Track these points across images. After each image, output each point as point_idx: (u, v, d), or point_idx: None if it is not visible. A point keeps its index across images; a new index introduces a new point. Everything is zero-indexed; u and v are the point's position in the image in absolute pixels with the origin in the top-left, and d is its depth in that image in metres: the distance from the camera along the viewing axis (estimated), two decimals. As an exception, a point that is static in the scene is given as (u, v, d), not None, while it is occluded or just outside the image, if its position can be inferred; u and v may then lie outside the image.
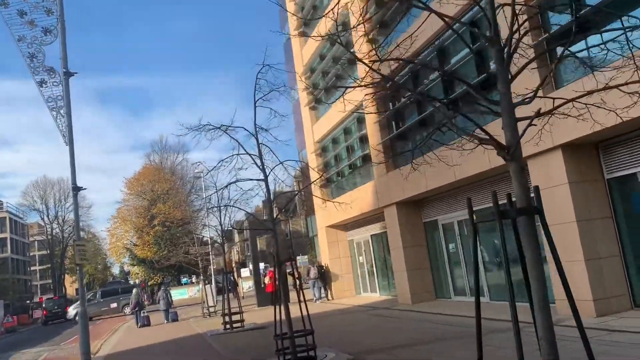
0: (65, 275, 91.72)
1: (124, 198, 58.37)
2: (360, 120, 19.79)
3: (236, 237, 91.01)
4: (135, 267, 59.15)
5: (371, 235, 21.38)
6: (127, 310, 36.88)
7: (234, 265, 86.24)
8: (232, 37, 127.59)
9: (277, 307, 8.89)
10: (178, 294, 46.90)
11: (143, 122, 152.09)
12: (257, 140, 9.29)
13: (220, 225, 15.73)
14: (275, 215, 9.40)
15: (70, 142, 10.09)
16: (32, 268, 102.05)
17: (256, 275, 25.10)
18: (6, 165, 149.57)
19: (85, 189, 9.87)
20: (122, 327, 24.95)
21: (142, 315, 23.20)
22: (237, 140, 9.52)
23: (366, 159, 19.35)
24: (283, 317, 8.59)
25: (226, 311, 15.54)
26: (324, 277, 24.42)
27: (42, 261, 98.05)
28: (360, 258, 22.81)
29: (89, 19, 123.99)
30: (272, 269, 26.51)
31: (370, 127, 18.29)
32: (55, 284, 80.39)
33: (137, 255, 54.55)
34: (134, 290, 25.34)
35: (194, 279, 55.89)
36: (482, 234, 14.34)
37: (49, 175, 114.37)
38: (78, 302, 42.65)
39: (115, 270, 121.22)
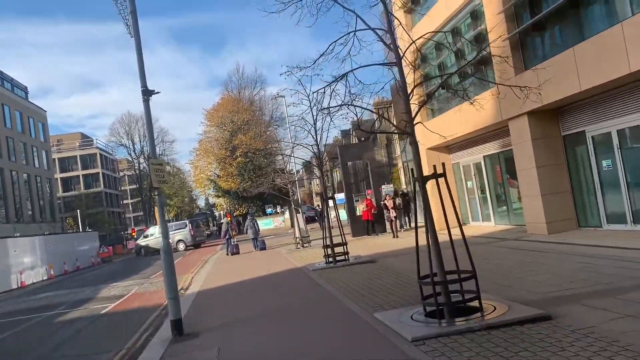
0: (155, 207, 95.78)
1: (205, 130, 58.02)
2: (476, 16, 16.30)
3: (316, 171, 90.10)
4: (220, 198, 59.51)
5: (484, 157, 18.33)
6: (181, 246, 36.81)
7: (314, 197, 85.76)
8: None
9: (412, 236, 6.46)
10: (263, 224, 46.51)
11: (218, 58, 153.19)
12: (386, 6, 6.55)
13: (316, 143, 13.25)
14: (414, 115, 6.77)
15: (136, 33, 7.82)
16: (125, 201, 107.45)
17: (349, 202, 22.95)
18: (96, 106, 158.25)
19: (158, 92, 7.70)
20: (211, 258, 24.02)
21: (232, 243, 23.35)
22: (354, 12, 6.84)
23: (484, 61, 16.00)
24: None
25: (325, 242, 13.45)
26: (409, 206, 22.88)
27: (133, 195, 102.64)
28: (469, 183, 19.90)
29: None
30: (368, 196, 24.48)
31: (492, 21, 14.82)
32: (146, 216, 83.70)
33: (221, 186, 54.49)
34: (224, 220, 26.63)
35: (278, 209, 55.39)
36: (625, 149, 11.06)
37: (132, 112, 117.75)
38: (142, 235, 43.45)
39: (201, 202, 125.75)
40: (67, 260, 32.48)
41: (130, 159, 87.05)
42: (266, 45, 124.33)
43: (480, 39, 16.18)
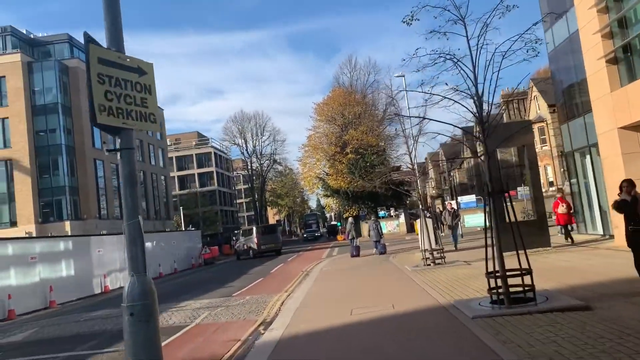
0: (267, 207, 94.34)
1: (314, 125, 54.13)
2: None
3: (431, 172, 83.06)
4: (329, 198, 55.33)
5: None
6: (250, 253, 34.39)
7: (429, 200, 78.77)
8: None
9: None
10: (376, 229, 41.35)
11: (331, 64, 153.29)
12: None
13: (476, 93, 7.79)
14: None
15: None
16: (239, 201, 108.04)
17: (498, 205, 16.86)
18: (218, 112, 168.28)
19: None
20: (315, 269, 19.30)
21: (354, 245, 22.75)
22: None
23: None
24: None
25: (490, 261, 7.92)
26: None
27: (247, 195, 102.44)
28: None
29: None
30: (560, 194, 18.86)
31: None
32: (256, 216, 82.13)
33: (330, 185, 50.13)
34: (349, 220, 25.62)
35: (392, 212, 49.85)
36: None
37: (246, 111, 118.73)
38: (241, 235, 39.95)
39: (313, 203, 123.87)
40: (163, 261, 29.70)
41: (244, 158, 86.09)
42: (379, 49, 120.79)
43: None
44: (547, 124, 44.33)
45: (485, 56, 7.84)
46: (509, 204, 8.72)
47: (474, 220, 33.13)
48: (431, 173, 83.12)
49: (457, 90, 7.55)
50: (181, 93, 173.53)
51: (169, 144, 76.74)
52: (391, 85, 50.86)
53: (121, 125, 3.45)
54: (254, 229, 37.27)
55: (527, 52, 7.54)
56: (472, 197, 39.95)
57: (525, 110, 52.96)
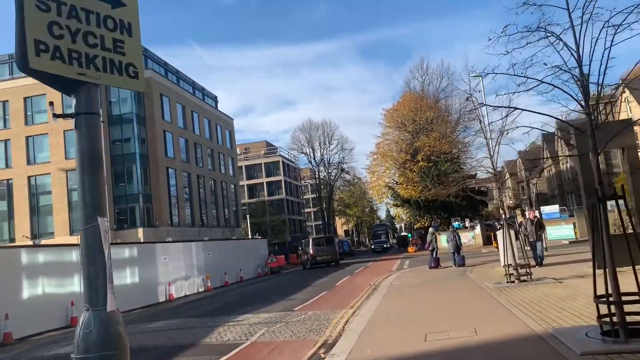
0: (335, 216, 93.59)
1: (383, 132, 52.69)
2: None
3: (508, 181, 78.92)
4: (399, 208, 53.50)
5: None
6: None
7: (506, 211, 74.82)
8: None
9: None
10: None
11: (400, 72, 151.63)
12: None
13: (583, 82, 6.36)
14: None
15: None
16: (307, 210, 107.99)
17: (593, 213, 14.91)
18: (288, 123, 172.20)
19: None
20: (383, 284, 17.98)
21: (434, 256, 22.14)
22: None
23: None
24: None
25: (596, 284, 6.41)
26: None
27: (315, 204, 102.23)
28: None
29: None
30: None
31: None
32: (324, 226, 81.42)
33: (400, 194, 48.39)
34: (430, 230, 25.28)
35: (467, 223, 47.34)
36: None
37: (314, 119, 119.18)
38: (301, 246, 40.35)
39: (382, 213, 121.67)
40: (229, 269, 29.37)
41: (311, 167, 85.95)
42: (451, 57, 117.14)
43: None
44: (640, 127, 40.54)
45: (592, 32, 6.40)
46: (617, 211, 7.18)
47: (558, 232, 30.50)
48: (508, 182, 79.12)
49: (561, 69, 6.11)
50: (253, 104, 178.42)
51: (238, 153, 77.82)
52: (469, 81, 48.20)
53: (76, 76, 2.37)
54: (310, 240, 37.20)
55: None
56: (555, 208, 36.98)
57: (613, 114, 48.90)
